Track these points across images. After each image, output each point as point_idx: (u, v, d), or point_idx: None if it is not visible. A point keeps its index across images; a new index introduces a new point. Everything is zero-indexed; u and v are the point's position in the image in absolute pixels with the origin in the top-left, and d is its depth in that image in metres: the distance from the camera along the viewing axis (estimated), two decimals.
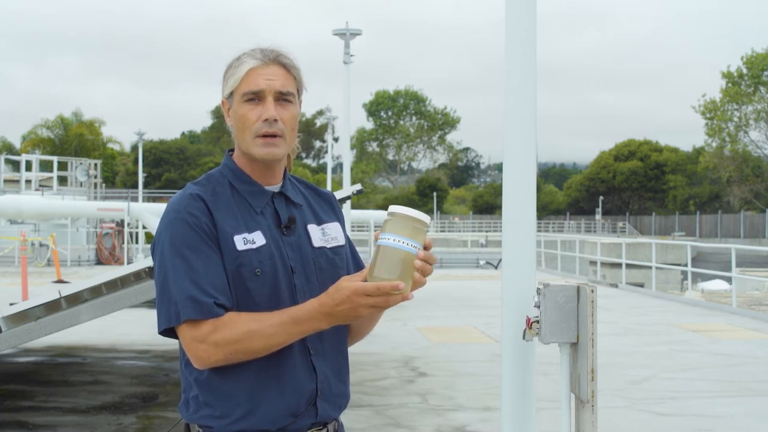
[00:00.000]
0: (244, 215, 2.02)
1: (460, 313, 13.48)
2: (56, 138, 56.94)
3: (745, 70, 62.67)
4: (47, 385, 7.93)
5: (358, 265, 2.19)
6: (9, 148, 64.50)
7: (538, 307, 2.89)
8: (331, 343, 2.06)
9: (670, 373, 8.45)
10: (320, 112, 74.34)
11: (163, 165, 70.25)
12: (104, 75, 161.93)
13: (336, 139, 55.61)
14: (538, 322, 2.89)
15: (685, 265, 19.84)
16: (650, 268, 18.37)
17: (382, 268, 1.85)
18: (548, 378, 7.33)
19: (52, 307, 5.26)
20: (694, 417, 6.69)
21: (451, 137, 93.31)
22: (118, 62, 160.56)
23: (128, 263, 23.64)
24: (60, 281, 18.57)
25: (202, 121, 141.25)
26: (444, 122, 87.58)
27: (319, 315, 1.89)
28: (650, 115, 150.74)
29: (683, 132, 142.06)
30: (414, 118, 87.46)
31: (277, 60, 2.04)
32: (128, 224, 26.88)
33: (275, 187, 2.09)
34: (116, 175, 68.32)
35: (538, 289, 2.91)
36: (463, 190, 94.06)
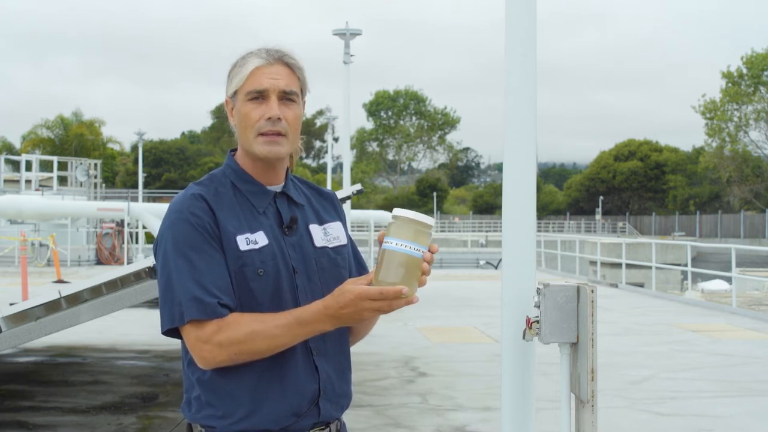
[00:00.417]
0: (247, 215, 2.02)
1: (460, 313, 13.47)
2: (56, 138, 56.93)
3: (745, 70, 62.68)
4: (47, 385, 7.93)
5: (360, 265, 2.19)
6: (9, 148, 64.48)
7: (538, 307, 2.89)
8: (334, 343, 2.06)
9: (670, 373, 8.46)
10: (320, 112, 74.25)
11: (163, 165, 70.21)
12: (104, 75, 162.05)
13: (336, 139, 55.64)
14: (538, 322, 2.89)
15: (685, 265, 19.84)
16: (650, 268, 18.37)
17: (386, 272, 1.85)
18: (548, 378, 7.33)
19: (52, 307, 5.25)
20: (694, 417, 6.69)
21: (451, 137, 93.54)
22: (118, 62, 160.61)
23: (128, 263, 23.63)
24: (60, 281, 18.57)
25: (202, 121, 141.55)
26: (444, 122, 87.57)
27: (324, 317, 1.90)
28: (650, 115, 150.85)
29: (683, 132, 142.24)
30: (414, 118, 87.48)
31: (281, 59, 2.04)
32: (128, 224, 26.85)
33: (277, 187, 2.09)
34: (116, 175, 68.28)
35: (538, 289, 2.91)
36: (463, 190, 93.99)
